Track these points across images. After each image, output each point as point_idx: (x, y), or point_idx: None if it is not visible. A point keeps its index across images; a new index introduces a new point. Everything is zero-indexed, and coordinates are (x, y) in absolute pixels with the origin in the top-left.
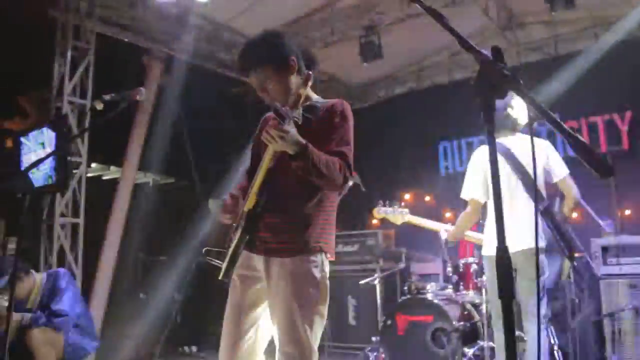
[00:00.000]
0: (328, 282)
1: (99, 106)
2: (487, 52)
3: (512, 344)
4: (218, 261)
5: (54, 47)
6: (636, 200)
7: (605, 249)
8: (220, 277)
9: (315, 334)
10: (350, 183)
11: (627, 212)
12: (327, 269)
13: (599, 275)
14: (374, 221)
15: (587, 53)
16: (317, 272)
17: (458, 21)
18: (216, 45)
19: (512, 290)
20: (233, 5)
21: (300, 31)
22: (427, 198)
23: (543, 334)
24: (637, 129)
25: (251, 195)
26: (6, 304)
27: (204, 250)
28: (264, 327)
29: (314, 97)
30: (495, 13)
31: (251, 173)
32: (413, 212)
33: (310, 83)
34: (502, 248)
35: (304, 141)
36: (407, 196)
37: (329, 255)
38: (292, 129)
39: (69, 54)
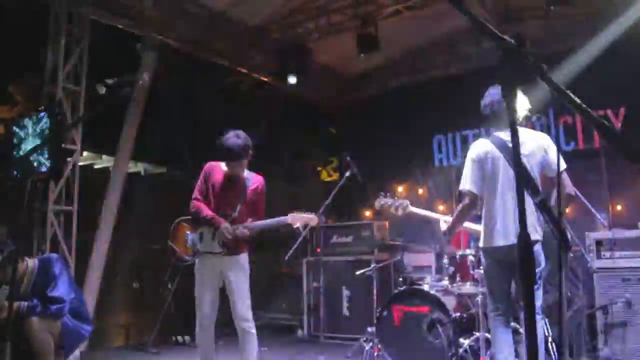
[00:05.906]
0: None
1: (102, 90)
2: (508, 39)
3: (532, 327)
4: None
5: (47, 33)
6: (628, 195)
7: (599, 243)
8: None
9: None
10: (348, 173)
11: (619, 207)
12: None
13: (593, 269)
14: (367, 213)
15: (582, 49)
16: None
17: (454, 14)
18: (211, 34)
19: (533, 274)
20: None
21: (295, 22)
22: (420, 191)
23: (539, 324)
24: (630, 124)
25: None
26: (6, 292)
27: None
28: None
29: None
30: (492, 7)
31: (207, 197)
32: None
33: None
34: (523, 234)
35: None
36: (400, 188)
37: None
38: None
39: (62, 40)
